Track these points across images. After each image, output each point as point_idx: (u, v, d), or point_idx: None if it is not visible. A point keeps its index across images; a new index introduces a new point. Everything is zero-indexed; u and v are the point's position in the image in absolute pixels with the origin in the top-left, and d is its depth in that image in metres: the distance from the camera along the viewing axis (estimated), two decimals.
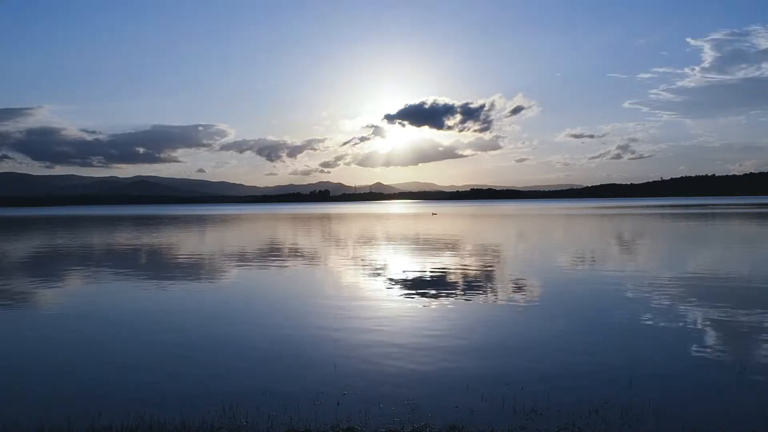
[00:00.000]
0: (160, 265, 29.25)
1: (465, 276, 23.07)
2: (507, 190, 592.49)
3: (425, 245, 39.13)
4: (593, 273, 23.56)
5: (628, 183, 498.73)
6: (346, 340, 12.87)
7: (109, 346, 12.82)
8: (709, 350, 11.62)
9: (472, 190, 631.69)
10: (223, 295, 19.78)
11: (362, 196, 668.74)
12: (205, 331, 14.07)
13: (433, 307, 16.69)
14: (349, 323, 14.57)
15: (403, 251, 35.12)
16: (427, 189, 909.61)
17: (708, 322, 14.03)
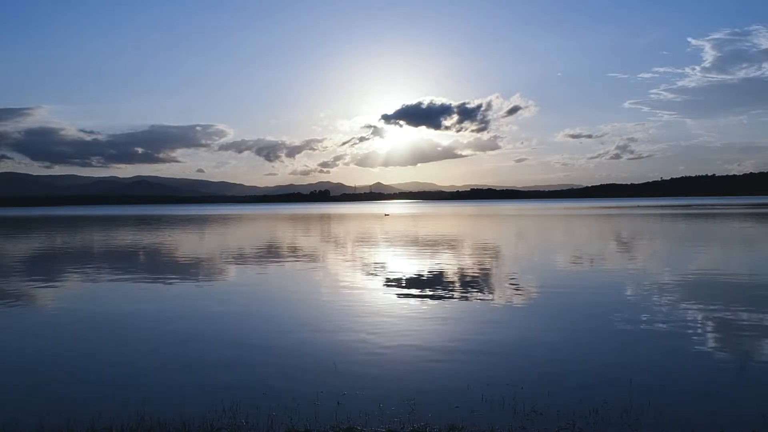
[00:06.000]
0: (160, 266, 29.25)
1: (463, 276, 23.07)
2: (507, 190, 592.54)
3: (421, 246, 39.14)
4: (593, 273, 23.55)
5: (628, 183, 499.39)
6: (345, 339, 12.87)
7: (109, 346, 12.81)
8: (709, 350, 11.62)
9: (472, 190, 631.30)
10: (223, 294, 19.77)
11: (362, 196, 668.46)
12: (205, 330, 14.07)
13: (432, 307, 16.69)
14: (348, 323, 14.57)
15: (401, 252, 35.12)
16: (427, 189, 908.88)
17: (708, 322, 14.04)
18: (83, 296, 19.96)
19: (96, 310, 17.24)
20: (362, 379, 10.07)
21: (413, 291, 19.46)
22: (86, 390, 9.81)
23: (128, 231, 65.66)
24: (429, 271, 24.67)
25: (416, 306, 16.84)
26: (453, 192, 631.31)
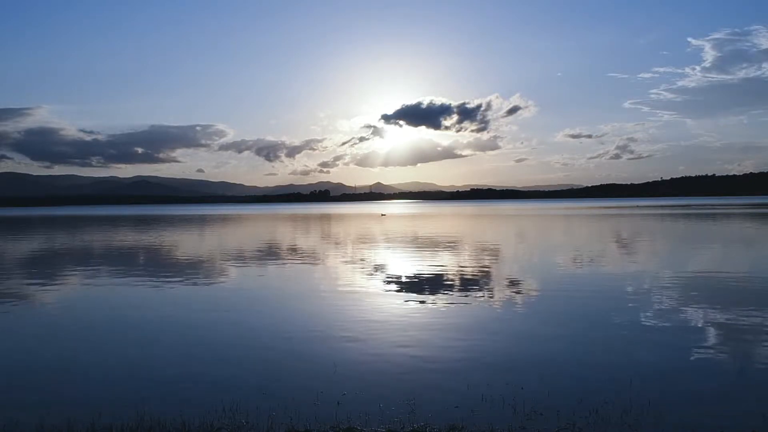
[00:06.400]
0: (160, 266, 29.25)
1: (463, 276, 23.07)
2: (507, 190, 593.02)
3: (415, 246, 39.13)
4: (593, 274, 23.56)
5: (628, 183, 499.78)
6: (345, 340, 12.87)
7: (109, 345, 12.81)
8: (709, 350, 11.62)
9: (472, 190, 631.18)
10: (223, 294, 19.78)
11: (362, 197, 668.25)
12: (205, 330, 14.07)
13: (431, 307, 16.69)
14: (348, 323, 14.57)
15: (398, 253, 35.13)
16: (427, 189, 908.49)
17: (708, 323, 14.04)
18: (83, 296, 19.95)
19: (96, 310, 17.24)
20: (362, 379, 10.07)
21: (412, 292, 19.46)
22: (86, 390, 9.81)
23: (128, 231, 65.65)
24: (428, 272, 24.67)
25: (415, 307, 16.84)
26: (453, 192, 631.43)
